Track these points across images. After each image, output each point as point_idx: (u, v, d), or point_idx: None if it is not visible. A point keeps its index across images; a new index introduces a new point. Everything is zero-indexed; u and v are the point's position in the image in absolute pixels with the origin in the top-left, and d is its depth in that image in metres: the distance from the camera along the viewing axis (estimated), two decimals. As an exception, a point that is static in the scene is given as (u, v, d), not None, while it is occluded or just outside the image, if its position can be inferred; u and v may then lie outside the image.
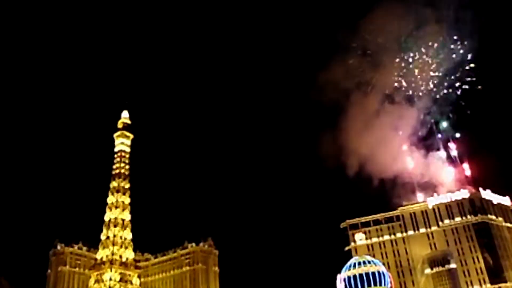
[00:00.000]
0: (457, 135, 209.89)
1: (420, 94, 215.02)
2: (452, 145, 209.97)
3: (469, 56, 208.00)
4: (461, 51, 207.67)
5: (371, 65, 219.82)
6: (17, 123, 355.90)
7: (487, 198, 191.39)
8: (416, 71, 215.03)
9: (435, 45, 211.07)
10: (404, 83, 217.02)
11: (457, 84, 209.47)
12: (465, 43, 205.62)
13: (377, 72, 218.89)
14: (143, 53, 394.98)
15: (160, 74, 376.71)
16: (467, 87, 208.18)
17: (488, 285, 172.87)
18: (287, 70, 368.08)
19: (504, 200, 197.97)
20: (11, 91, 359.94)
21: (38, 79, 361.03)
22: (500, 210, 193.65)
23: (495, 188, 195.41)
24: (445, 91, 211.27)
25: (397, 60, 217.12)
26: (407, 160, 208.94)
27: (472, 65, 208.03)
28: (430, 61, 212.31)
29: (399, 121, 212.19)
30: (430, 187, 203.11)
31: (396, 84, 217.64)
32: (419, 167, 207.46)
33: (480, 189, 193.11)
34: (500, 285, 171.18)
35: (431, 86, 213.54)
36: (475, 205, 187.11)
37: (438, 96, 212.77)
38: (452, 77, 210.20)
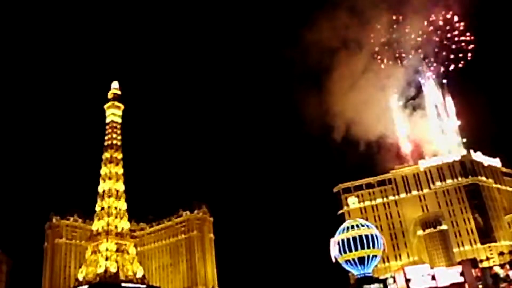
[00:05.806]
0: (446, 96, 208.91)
1: (409, 52, 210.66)
2: (440, 104, 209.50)
3: (462, 13, 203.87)
4: (454, 7, 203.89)
5: (359, 22, 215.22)
6: (9, 96, 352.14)
7: (477, 160, 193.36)
8: (406, 28, 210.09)
9: (426, 2, 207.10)
10: (392, 41, 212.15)
11: (448, 42, 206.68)
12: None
13: (364, 30, 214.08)
14: (132, 23, 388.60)
15: (149, 43, 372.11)
16: (458, 45, 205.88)
17: (479, 245, 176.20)
18: (270, 29, 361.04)
19: (495, 162, 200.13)
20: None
21: (28, 51, 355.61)
22: (491, 171, 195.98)
23: (486, 149, 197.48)
24: (435, 49, 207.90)
25: (386, 17, 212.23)
26: (394, 121, 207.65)
27: (463, 23, 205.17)
28: (420, 19, 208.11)
29: (387, 81, 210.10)
30: (417, 148, 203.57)
31: (383, 40, 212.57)
32: (406, 127, 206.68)
33: (471, 151, 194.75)
34: (490, 244, 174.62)
35: (420, 44, 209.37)
36: (466, 167, 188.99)
37: (427, 55, 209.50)
38: (443, 35, 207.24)
